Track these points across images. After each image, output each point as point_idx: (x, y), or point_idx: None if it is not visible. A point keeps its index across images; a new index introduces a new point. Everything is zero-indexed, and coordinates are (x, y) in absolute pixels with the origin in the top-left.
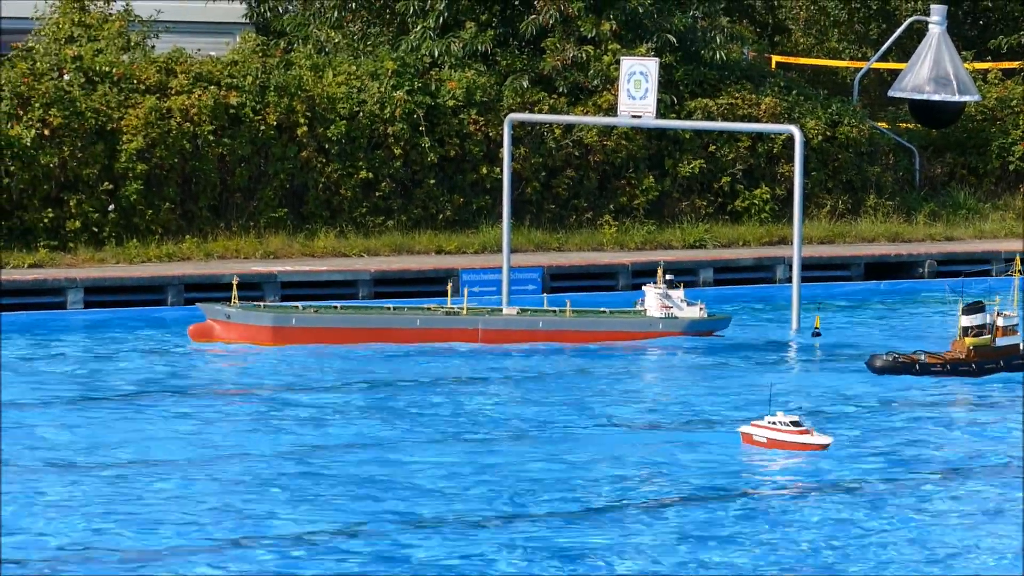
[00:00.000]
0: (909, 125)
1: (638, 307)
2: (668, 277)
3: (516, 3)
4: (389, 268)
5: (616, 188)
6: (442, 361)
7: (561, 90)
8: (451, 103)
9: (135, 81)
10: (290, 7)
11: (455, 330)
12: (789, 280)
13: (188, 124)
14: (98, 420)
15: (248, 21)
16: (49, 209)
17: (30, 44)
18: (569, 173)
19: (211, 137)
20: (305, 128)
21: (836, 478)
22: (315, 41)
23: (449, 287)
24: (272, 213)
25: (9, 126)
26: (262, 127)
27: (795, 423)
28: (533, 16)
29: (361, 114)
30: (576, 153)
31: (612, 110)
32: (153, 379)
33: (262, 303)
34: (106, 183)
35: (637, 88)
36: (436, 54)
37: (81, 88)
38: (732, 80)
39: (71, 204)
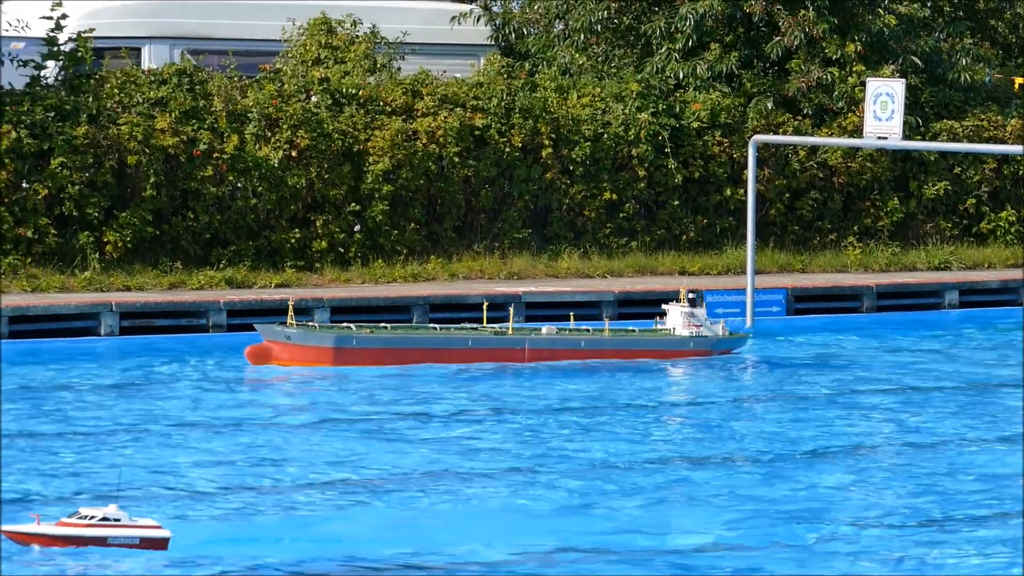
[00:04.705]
0: None
1: (658, 326)
2: (691, 295)
3: (761, 25)
4: (633, 289)
5: (860, 210)
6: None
7: (806, 111)
8: (695, 125)
9: (381, 103)
10: (535, 29)
11: (505, 349)
12: None
13: (434, 146)
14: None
15: (493, 43)
16: (296, 229)
17: (278, 66)
18: (813, 195)
19: (456, 159)
20: (550, 150)
21: None
22: (560, 63)
23: None
24: (516, 234)
25: (257, 147)
26: (507, 149)
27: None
28: (778, 38)
29: (605, 136)
30: (820, 175)
31: (857, 132)
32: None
33: (315, 323)
34: (352, 204)
35: (883, 109)
36: (681, 76)
37: (328, 110)
38: (977, 102)
39: (317, 225)
